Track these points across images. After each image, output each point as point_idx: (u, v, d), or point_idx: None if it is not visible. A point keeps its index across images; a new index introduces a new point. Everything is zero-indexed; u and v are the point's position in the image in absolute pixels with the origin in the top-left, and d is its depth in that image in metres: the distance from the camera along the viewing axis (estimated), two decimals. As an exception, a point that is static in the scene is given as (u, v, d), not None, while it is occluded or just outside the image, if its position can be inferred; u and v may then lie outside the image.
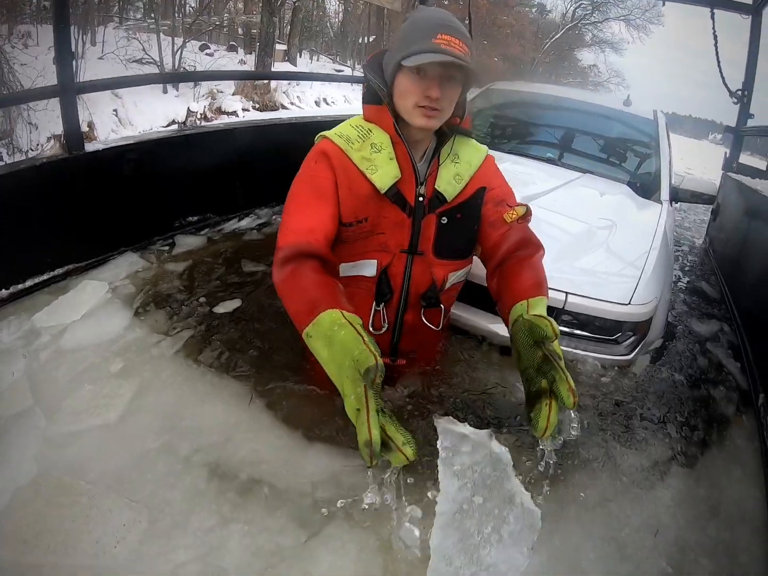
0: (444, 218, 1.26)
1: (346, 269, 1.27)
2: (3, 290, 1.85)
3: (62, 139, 2.09)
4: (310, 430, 1.36)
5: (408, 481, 1.10)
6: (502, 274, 1.25)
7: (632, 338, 1.67)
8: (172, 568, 1.03)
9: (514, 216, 1.28)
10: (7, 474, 1.21)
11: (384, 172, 1.19)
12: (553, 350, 0.98)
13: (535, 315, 1.04)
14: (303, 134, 3.12)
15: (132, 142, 2.38)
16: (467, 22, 3.10)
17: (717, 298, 2.70)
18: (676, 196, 2.62)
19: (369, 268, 1.27)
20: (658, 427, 1.49)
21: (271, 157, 2.93)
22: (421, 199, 1.23)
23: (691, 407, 1.62)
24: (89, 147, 2.16)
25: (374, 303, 1.30)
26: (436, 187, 1.25)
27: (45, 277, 1.99)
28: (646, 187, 2.55)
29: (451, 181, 1.26)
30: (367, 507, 0.91)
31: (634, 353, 1.68)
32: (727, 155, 4.27)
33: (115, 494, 1.17)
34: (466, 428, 1.08)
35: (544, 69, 24.82)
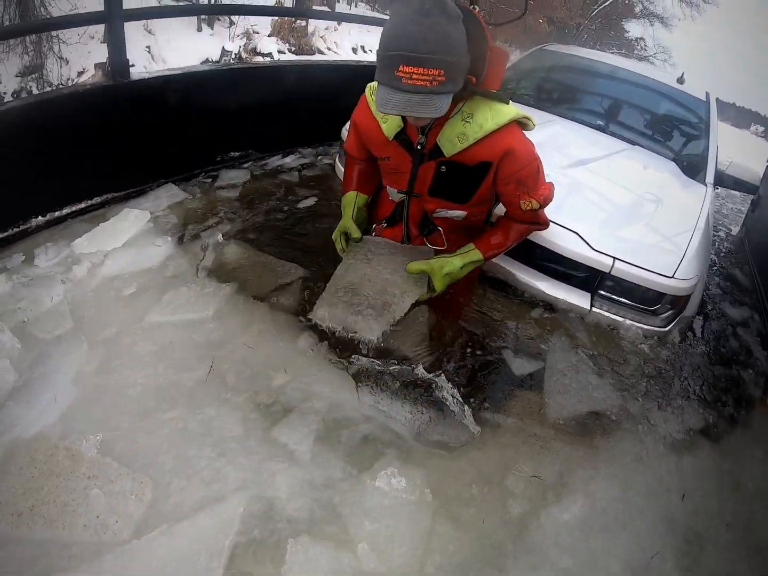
0: (443, 167, 1.36)
1: (391, 193, 1.51)
2: (40, 217, 1.86)
3: (107, 66, 2.03)
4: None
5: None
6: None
7: (670, 311, 1.68)
8: (224, 495, 1.07)
9: (528, 206, 1.39)
10: (48, 396, 1.23)
11: (391, 122, 1.36)
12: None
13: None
14: (345, 77, 3.13)
15: (178, 72, 2.33)
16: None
17: (749, 287, 2.68)
18: (720, 180, 2.58)
19: (392, 192, 1.51)
20: (692, 397, 1.52)
21: (314, 98, 2.91)
22: (419, 147, 1.35)
23: (722, 384, 1.64)
24: (135, 75, 2.11)
25: (385, 221, 1.60)
26: (437, 140, 1.32)
27: (82, 205, 1.99)
28: (692, 168, 2.50)
29: (452, 138, 1.31)
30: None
31: (670, 326, 1.70)
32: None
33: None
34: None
35: (589, 36, 23.85)
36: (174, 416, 1.22)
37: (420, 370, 1.27)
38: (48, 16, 8.98)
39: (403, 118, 1.33)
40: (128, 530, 0.99)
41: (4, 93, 8.38)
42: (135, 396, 1.26)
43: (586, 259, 1.65)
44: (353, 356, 1.33)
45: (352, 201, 1.53)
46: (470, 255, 1.40)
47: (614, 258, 1.63)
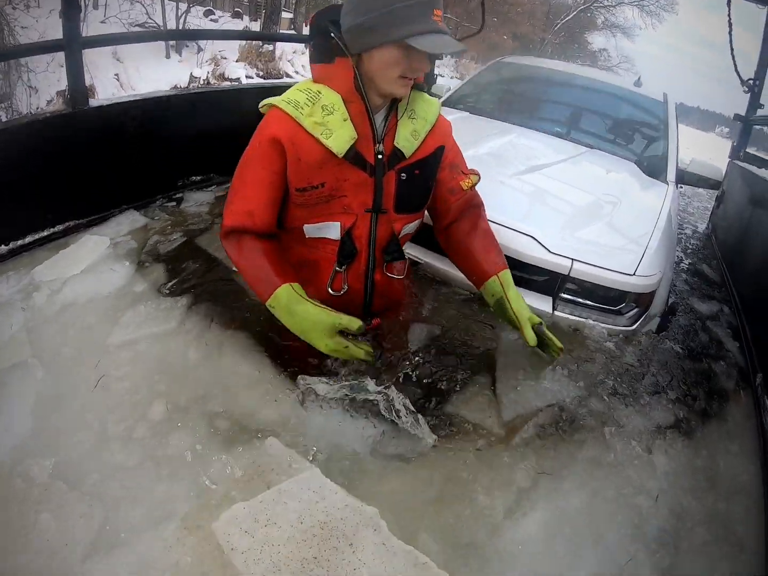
0: (403, 174, 1.27)
1: (311, 230, 1.30)
2: (2, 246, 1.82)
3: (66, 94, 2.03)
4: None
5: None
6: (458, 233, 1.45)
7: (635, 310, 1.68)
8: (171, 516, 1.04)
9: (469, 184, 1.40)
10: (2, 425, 1.20)
11: (339, 135, 1.17)
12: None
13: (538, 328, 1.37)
14: None
15: (137, 98, 2.31)
16: None
17: (717, 281, 2.70)
18: (682, 178, 2.63)
19: (333, 230, 1.28)
20: (661, 393, 1.50)
21: None
22: (380, 156, 1.23)
23: (692, 378, 1.63)
24: (93, 102, 2.10)
25: (336, 264, 1.31)
26: (395, 144, 1.25)
27: (45, 233, 1.96)
28: (652, 167, 2.53)
29: (408, 137, 1.26)
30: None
31: (636, 325, 1.69)
32: (735, 144, 4.24)
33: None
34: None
35: (553, 50, 24.43)
36: (129, 438, 1.19)
37: (370, 384, 1.23)
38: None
39: (354, 126, 1.18)
40: (78, 554, 0.96)
41: (-27, 121, 8.35)
42: (91, 420, 1.23)
43: (544, 263, 1.64)
44: (300, 376, 1.28)
45: (296, 295, 1.20)
46: (508, 279, 1.41)
47: (573, 259, 1.62)
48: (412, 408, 1.23)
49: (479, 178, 1.42)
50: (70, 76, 2.02)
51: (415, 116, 1.27)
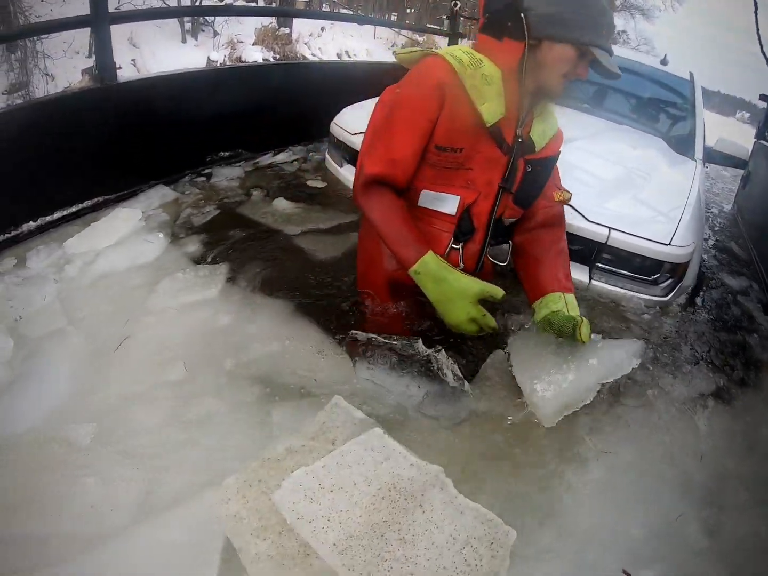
0: (529, 166, 1.26)
1: (426, 199, 1.24)
2: (31, 222, 1.82)
3: (94, 70, 2.03)
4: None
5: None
6: (537, 241, 1.39)
7: (670, 280, 1.67)
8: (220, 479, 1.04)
9: (561, 198, 1.39)
10: (41, 390, 1.20)
11: (492, 106, 1.15)
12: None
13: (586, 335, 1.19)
14: (329, 76, 3.15)
15: (165, 74, 2.34)
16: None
17: (745, 258, 2.68)
18: (709, 156, 2.64)
19: (450, 204, 1.24)
20: (700, 363, 1.52)
21: (303, 98, 2.92)
22: (520, 140, 1.22)
23: (729, 349, 1.64)
24: (122, 78, 2.10)
25: (452, 241, 1.26)
26: (530, 134, 1.25)
27: (73, 209, 1.96)
28: (680, 145, 2.53)
29: (541, 134, 1.27)
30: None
31: (671, 295, 1.68)
32: (761, 123, 4.18)
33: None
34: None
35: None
36: (171, 402, 1.19)
37: (419, 345, 1.23)
38: (38, 40, 9.02)
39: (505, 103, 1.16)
40: (124, 518, 0.95)
41: (-9, 110, 8.40)
42: (131, 384, 1.23)
43: (581, 231, 1.64)
44: (351, 331, 1.29)
45: (443, 262, 1.18)
46: (573, 302, 1.32)
47: (610, 228, 1.62)
48: (459, 374, 1.23)
49: (571, 196, 1.41)
50: (98, 52, 2.03)
51: (543, 119, 1.29)
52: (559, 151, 1.37)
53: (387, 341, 1.24)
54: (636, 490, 1.11)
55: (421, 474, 0.98)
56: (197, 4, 10.95)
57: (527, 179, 1.27)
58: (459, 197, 1.22)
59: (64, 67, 9.16)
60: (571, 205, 1.64)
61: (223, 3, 10.39)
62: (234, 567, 0.87)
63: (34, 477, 1.01)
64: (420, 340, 1.23)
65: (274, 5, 13.67)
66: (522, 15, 1.11)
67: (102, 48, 2.02)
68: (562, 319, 1.23)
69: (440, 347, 1.24)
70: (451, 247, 1.27)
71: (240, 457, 1.04)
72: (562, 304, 1.28)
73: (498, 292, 1.17)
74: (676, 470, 1.17)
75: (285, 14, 8.64)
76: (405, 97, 1.17)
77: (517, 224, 1.40)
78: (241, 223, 2.00)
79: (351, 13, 13.91)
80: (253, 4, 14.04)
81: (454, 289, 1.15)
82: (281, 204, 2.20)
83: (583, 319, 1.21)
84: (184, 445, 1.09)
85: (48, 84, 9.21)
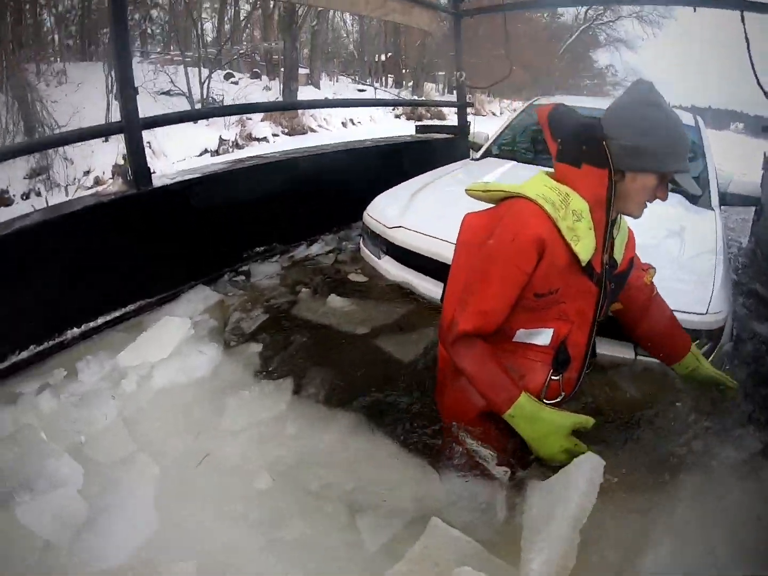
0: (614, 284, 1.31)
1: (522, 335, 1.26)
2: (75, 328, 1.85)
3: (128, 175, 2.09)
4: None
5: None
6: (650, 322, 1.49)
7: (708, 344, 1.72)
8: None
9: (650, 278, 1.46)
10: (127, 524, 1.17)
11: (585, 244, 1.16)
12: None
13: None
14: (359, 159, 3.31)
15: (197, 176, 2.42)
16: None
17: (770, 298, 2.69)
18: (724, 200, 2.65)
19: (544, 336, 1.25)
20: (748, 423, 1.53)
21: (331, 184, 2.98)
22: (607, 266, 1.25)
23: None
24: (156, 182, 2.20)
25: (551, 372, 1.29)
26: (614, 255, 1.29)
27: (117, 314, 2.00)
28: (697, 195, 2.58)
29: (620, 248, 1.32)
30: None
31: (710, 358, 1.72)
32: (767, 153, 4.24)
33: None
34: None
35: (560, 73, 24.80)
36: (264, 527, 1.18)
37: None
38: (56, 126, 9.46)
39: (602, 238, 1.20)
40: None
41: (14, 195, 8.75)
42: (223, 513, 1.21)
43: None
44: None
45: (536, 403, 1.19)
46: (697, 351, 1.56)
47: None
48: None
49: (655, 271, 1.47)
50: (132, 158, 2.11)
51: (618, 229, 1.31)
52: (634, 256, 1.42)
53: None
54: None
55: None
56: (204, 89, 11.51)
57: (611, 297, 1.32)
58: (552, 329, 1.25)
59: (82, 152, 9.46)
60: None
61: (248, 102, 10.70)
62: None
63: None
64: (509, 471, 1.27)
65: (277, 80, 14.29)
66: (605, 144, 1.14)
67: (136, 153, 2.11)
68: (702, 379, 1.52)
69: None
70: (551, 379, 1.28)
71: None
72: (694, 361, 1.52)
73: (589, 421, 1.20)
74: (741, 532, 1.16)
75: (305, 107, 8.99)
76: (502, 252, 1.15)
77: (628, 318, 1.52)
78: (295, 325, 2.01)
79: (351, 81, 14.45)
80: (257, 81, 14.74)
81: (550, 427, 1.18)
82: (335, 302, 2.18)
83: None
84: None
85: (67, 168, 9.56)
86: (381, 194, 2.55)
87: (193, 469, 1.31)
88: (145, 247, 2.11)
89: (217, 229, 2.42)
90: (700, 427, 1.47)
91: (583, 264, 1.17)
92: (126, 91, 2.03)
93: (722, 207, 2.69)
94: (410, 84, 18.22)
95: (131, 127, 2.07)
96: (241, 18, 16.34)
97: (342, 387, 1.65)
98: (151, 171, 2.21)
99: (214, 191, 2.43)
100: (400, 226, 2.23)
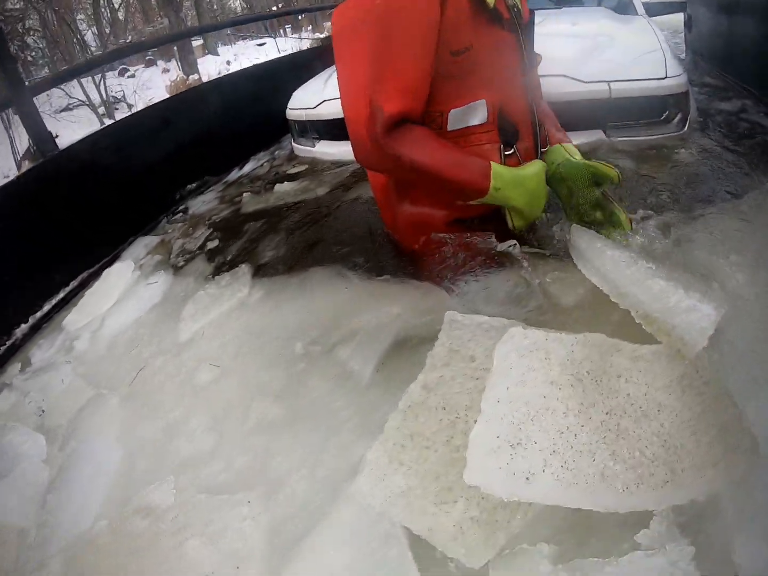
0: (523, 34, 1.09)
1: (455, 119, 1.05)
2: (23, 324, 1.70)
3: (32, 148, 1.95)
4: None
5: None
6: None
7: (679, 114, 1.70)
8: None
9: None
10: (93, 467, 1.07)
11: None
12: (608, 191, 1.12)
13: (601, 162, 1.09)
14: (265, 79, 3.12)
15: (104, 127, 2.31)
16: None
17: (726, 86, 2.66)
18: (648, 11, 2.63)
19: (479, 111, 1.05)
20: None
21: (246, 105, 2.90)
22: (515, 10, 1.04)
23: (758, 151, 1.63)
24: (62, 145, 2.01)
25: (503, 148, 1.09)
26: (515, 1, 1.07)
27: (62, 295, 1.83)
28: (622, 8, 2.56)
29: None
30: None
31: (686, 128, 1.72)
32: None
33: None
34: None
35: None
36: (248, 427, 1.05)
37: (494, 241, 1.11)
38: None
39: None
40: (261, 570, 0.79)
41: None
42: (192, 421, 1.10)
43: (584, 95, 1.67)
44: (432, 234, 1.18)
45: (505, 167, 1.04)
46: (572, 149, 1.18)
47: (608, 82, 1.65)
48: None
49: (541, 58, 1.21)
50: (29, 127, 1.92)
51: None
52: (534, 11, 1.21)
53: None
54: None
55: (589, 346, 0.85)
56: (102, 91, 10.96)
57: (530, 41, 1.11)
58: (485, 100, 1.04)
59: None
60: (564, 75, 1.68)
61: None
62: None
63: (131, 565, 0.84)
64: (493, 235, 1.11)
65: (173, 60, 13.61)
66: None
67: (32, 122, 1.93)
68: (570, 168, 1.12)
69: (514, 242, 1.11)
70: (505, 155, 1.09)
71: (364, 430, 0.89)
72: (562, 154, 1.15)
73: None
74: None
75: (196, 33, 8.60)
76: (393, 7, 0.91)
77: None
78: (244, 220, 1.93)
79: (265, 42, 13.86)
80: (153, 67, 14.02)
81: (538, 177, 1.05)
82: (283, 187, 2.14)
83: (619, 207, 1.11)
84: (288, 450, 0.94)
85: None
86: (296, 90, 2.53)
87: (153, 387, 1.22)
88: (70, 215, 1.93)
89: (140, 178, 2.26)
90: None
91: (491, 6, 0.97)
92: (4, 62, 1.83)
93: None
94: (309, 28, 17.49)
95: (19, 95, 1.88)
96: (117, 8, 15.30)
97: (307, 251, 1.56)
98: (54, 135, 2.00)
99: (125, 141, 2.24)
100: (323, 101, 2.23)
